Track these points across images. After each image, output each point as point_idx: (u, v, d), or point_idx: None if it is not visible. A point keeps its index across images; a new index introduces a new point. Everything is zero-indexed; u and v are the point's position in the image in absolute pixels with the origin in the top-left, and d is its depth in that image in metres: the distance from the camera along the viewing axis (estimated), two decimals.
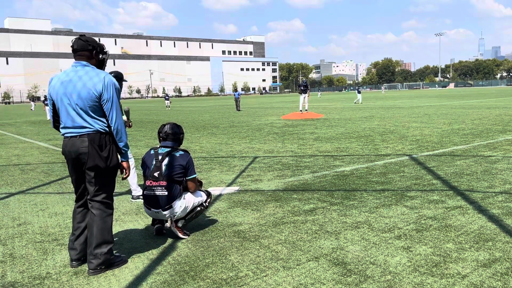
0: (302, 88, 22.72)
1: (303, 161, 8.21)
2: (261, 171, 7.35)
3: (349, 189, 5.79)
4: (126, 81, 5.80)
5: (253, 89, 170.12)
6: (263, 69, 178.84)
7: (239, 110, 30.58)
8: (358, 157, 8.36)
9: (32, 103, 48.25)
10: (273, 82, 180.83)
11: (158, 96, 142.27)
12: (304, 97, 22.46)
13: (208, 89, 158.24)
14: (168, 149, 4.19)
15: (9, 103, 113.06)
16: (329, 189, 5.84)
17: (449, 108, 23.53)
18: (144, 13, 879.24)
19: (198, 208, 4.28)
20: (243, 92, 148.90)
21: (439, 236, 3.87)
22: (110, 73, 5.43)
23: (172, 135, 4.27)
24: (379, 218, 4.47)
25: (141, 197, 5.21)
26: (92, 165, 3.37)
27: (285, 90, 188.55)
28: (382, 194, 5.47)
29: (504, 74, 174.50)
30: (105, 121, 3.44)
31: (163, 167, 4.07)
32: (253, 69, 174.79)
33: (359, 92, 37.49)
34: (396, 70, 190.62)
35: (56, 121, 3.60)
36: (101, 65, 3.59)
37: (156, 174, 4.07)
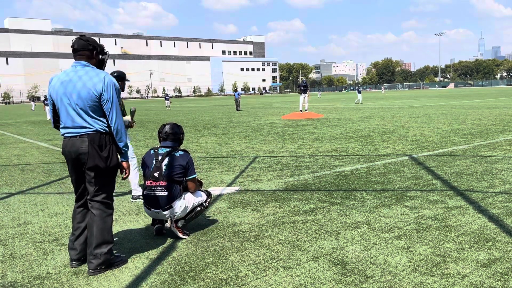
0: (302, 88, 22.74)
1: (303, 161, 8.21)
2: (261, 171, 7.35)
3: (349, 189, 5.79)
4: (128, 80, 5.81)
5: (253, 89, 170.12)
6: (263, 69, 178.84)
7: (239, 110, 30.58)
8: (358, 157, 8.37)
9: (32, 103, 48.27)
10: (273, 82, 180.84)
11: (158, 96, 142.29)
12: (304, 97, 22.47)
13: (208, 89, 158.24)
14: (168, 149, 4.19)
15: (9, 103, 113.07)
16: (329, 189, 5.84)
17: (449, 108, 23.53)
18: (144, 13, 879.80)
19: (198, 208, 4.28)
20: (243, 92, 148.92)
21: (439, 236, 3.88)
22: (113, 72, 5.45)
23: (173, 135, 4.27)
24: (379, 218, 4.47)
25: (141, 197, 5.21)
26: (92, 165, 3.38)
27: (285, 90, 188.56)
28: (382, 194, 5.48)
29: (504, 74, 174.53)
30: (105, 121, 3.44)
31: (163, 167, 4.07)
32: (253, 69, 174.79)
33: (359, 92, 37.49)
34: (396, 70, 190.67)
35: (56, 121, 3.60)
36: (100, 65, 3.59)
37: (156, 174, 4.07)
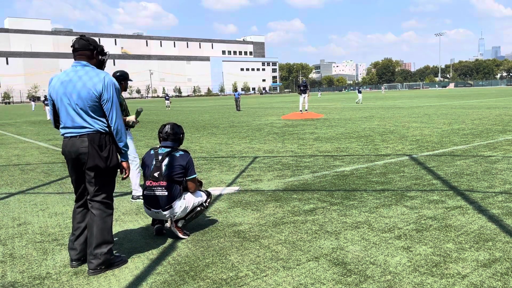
0: (301, 88, 22.74)
1: (303, 161, 8.21)
2: (261, 171, 7.35)
3: (349, 189, 5.79)
4: (131, 80, 5.82)
5: (253, 89, 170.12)
6: (263, 69, 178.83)
7: (239, 110, 30.59)
8: (358, 157, 8.37)
9: (32, 103, 48.26)
10: (273, 82, 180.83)
11: (158, 96, 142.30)
12: (304, 97, 22.48)
13: (208, 89, 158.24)
14: (168, 149, 4.19)
15: (9, 103, 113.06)
16: (329, 189, 5.84)
17: (449, 108, 23.53)
18: (144, 13, 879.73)
19: (198, 208, 4.28)
20: (243, 92, 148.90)
21: (439, 236, 3.88)
22: (116, 72, 5.46)
23: (173, 135, 4.28)
24: (379, 218, 4.47)
25: (141, 197, 5.21)
26: (92, 165, 3.38)
27: (285, 90, 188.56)
28: (382, 194, 5.48)
29: (504, 74, 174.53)
30: (105, 121, 3.44)
31: (163, 167, 4.07)
32: (253, 69, 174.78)
33: (359, 92, 37.50)
34: (396, 70, 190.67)
35: (57, 121, 3.59)
36: (100, 66, 3.60)
37: (156, 174, 4.07)
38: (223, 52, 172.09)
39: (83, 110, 3.36)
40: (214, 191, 5.94)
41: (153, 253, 3.79)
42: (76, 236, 3.57)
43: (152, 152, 4.23)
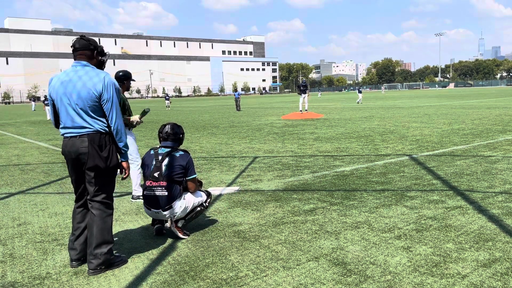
0: (301, 88, 22.75)
1: (303, 161, 8.21)
2: (261, 171, 7.35)
3: (349, 189, 5.79)
4: (134, 80, 5.83)
5: (253, 89, 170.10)
6: (263, 69, 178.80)
7: (239, 110, 30.59)
8: (358, 157, 8.37)
9: (32, 103, 48.23)
10: (273, 82, 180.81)
11: (158, 96, 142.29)
12: (304, 97, 22.48)
13: (208, 89, 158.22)
14: (168, 149, 4.19)
15: (9, 103, 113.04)
16: (329, 189, 5.84)
17: (449, 108, 23.53)
18: (144, 13, 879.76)
19: (198, 208, 4.28)
20: (243, 92, 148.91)
21: (439, 236, 3.88)
22: (119, 72, 5.46)
23: (173, 135, 4.28)
24: (379, 218, 4.47)
25: (141, 197, 5.21)
26: (92, 165, 3.38)
27: (285, 90, 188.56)
28: (382, 194, 5.48)
29: (504, 74, 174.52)
30: (105, 121, 3.44)
31: (163, 167, 4.07)
32: (253, 69, 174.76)
33: (360, 92, 37.49)
34: (396, 70, 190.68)
35: (57, 121, 3.60)
36: (100, 66, 3.60)
37: (156, 174, 4.07)
38: (223, 52, 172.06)
39: (83, 110, 3.36)
40: (214, 191, 5.94)
41: (153, 253, 3.79)
42: (76, 236, 3.57)
43: (152, 152, 4.23)
